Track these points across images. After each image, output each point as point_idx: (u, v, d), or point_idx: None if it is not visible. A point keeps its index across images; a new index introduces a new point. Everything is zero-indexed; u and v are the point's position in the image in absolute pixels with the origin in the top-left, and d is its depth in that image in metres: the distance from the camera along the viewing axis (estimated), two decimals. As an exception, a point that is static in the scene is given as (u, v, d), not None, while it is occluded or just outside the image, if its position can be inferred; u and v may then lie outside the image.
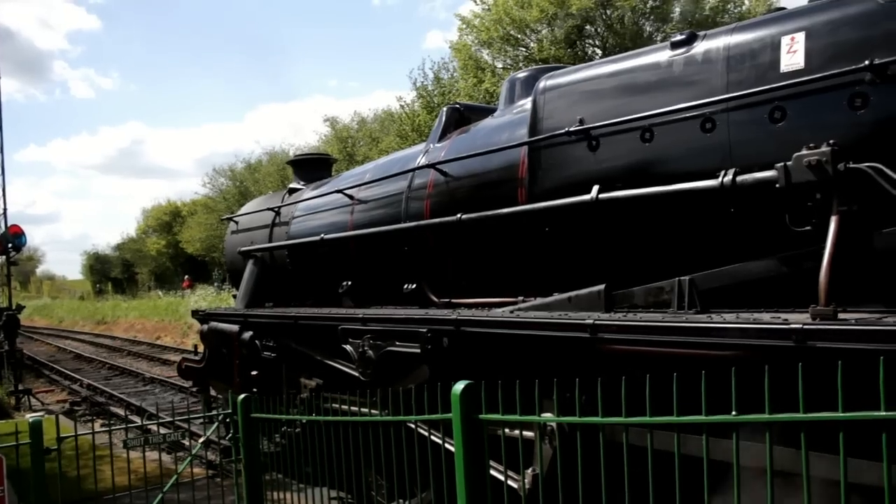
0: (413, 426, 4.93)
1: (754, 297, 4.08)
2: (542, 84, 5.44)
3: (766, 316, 3.65)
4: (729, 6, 25.26)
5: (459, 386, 4.02)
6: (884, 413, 2.55)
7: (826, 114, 3.86)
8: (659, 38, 23.16)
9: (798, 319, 3.39)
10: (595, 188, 4.69)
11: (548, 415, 4.01)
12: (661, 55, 4.75)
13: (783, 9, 4.56)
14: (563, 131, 5.03)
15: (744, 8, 25.23)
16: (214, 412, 7.21)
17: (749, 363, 3.14)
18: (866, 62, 3.67)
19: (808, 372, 2.76)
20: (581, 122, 4.95)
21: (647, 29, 24.98)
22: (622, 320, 4.06)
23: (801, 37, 4.08)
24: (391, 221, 7.11)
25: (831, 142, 3.63)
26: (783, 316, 3.56)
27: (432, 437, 4.62)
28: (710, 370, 3.03)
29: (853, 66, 3.74)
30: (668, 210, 4.41)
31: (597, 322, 4.13)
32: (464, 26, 26.67)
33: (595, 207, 4.68)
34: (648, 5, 24.62)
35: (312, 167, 11.08)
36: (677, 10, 24.90)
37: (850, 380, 2.65)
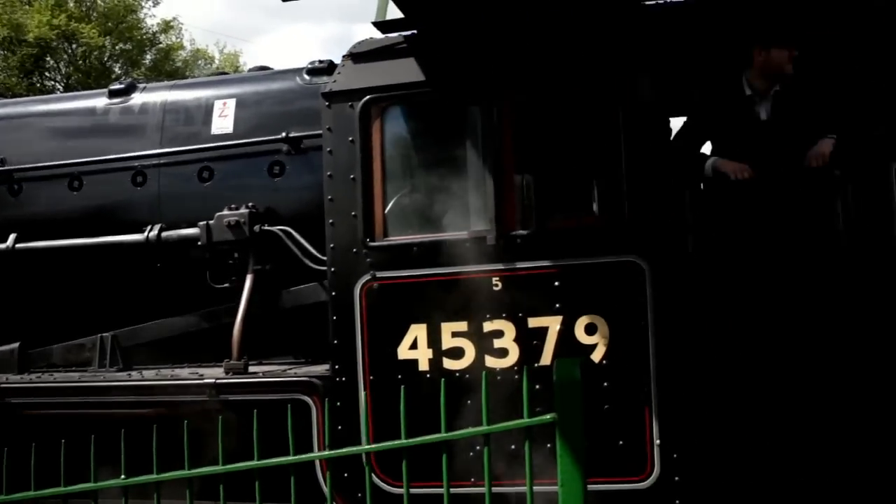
0: None
1: (182, 353, 4.12)
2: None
3: (185, 371, 3.72)
4: (200, 62, 25.94)
5: None
6: (292, 457, 2.68)
7: (249, 177, 4.15)
8: (127, 82, 22.55)
9: (213, 374, 3.51)
10: (12, 237, 4.28)
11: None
12: (97, 101, 4.62)
13: (225, 73, 4.79)
14: (-22, 172, 4.50)
15: (214, 65, 26.15)
16: None
17: (172, 419, 3.12)
18: (284, 134, 4.04)
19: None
20: (2, 162, 4.51)
21: (117, 70, 24.17)
22: (31, 382, 3.77)
23: (232, 103, 4.34)
24: None
25: (250, 204, 3.90)
26: (200, 371, 3.66)
27: None
28: (131, 429, 2.93)
29: (273, 137, 4.09)
30: (95, 263, 4.23)
31: (2, 386, 3.74)
32: None
33: (12, 258, 4.28)
34: (118, 48, 23.90)
35: None
36: (149, 57, 24.69)
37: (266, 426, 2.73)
